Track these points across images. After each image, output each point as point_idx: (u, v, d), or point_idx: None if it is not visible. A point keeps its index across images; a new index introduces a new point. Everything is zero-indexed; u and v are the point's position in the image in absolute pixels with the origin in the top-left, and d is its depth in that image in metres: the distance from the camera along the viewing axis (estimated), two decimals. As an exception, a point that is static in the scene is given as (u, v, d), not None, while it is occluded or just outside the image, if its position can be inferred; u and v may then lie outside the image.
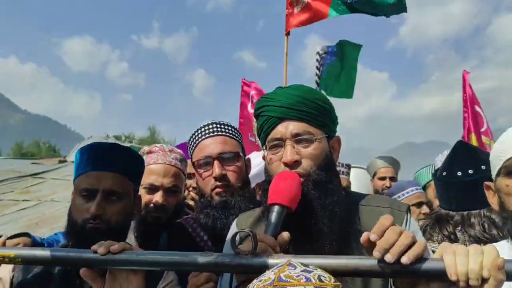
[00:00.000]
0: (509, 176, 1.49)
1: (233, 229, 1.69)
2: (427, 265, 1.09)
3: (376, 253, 1.09)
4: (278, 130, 1.52)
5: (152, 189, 2.19)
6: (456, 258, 1.05)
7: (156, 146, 2.31)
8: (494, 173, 1.57)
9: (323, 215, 1.44)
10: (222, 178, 1.93)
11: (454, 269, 1.04)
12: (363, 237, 1.15)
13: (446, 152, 2.60)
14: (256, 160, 2.80)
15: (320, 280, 0.96)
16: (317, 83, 5.62)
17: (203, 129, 2.04)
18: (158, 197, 2.16)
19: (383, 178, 4.48)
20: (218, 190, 1.93)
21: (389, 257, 1.07)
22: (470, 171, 2.02)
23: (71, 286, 1.67)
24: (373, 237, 1.11)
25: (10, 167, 11.48)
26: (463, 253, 1.05)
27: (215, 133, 2.01)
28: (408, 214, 1.54)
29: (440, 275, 1.07)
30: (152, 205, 2.16)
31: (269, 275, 1.02)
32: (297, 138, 1.50)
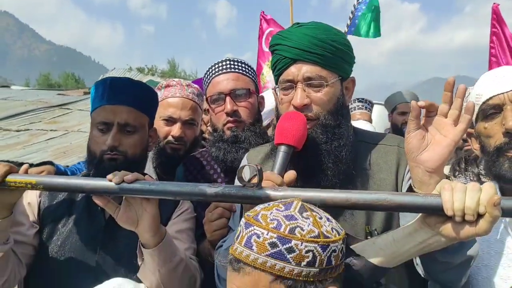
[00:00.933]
0: (486, 119, 1.53)
1: (243, 163, 1.75)
2: (426, 200, 1.12)
3: None
4: (291, 71, 1.51)
5: (171, 121, 2.25)
6: (454, 194, 1.07)
7: (174, 80, 2.36)
8: (473, 120, 1.60)
9: (329, 158, 1.47)
10: (233, 113, 1.98)
11: (450, 205, 1.07)
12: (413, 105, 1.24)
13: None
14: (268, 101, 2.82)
15: (291, 232, 0.98)
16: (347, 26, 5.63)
17: (217, 66, 2.06)
18: (176, 129, 2.23)
19: (403, 113, 4.43)
20: (229, 125, 1.99)
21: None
22: None
23: (94, 213, 1.79)
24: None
25: (37, 98, 11.76)
26: (461, 189, 1.08)
27: (228, 70, 2.04)
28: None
29: (437, 210, 1.10)
30: (170, 137, 2.23)
31: (257, 207, 1.08)
32: (308, 82, 1.49)
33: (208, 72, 2.09)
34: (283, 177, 1.30)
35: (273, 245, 0.97)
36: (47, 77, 44.04)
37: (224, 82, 2.01)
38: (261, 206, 1.09)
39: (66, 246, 1.73)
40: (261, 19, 5.70)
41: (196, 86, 2.36)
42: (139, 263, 1.56)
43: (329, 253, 1.01)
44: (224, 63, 2.06)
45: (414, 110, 1.23)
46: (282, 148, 1.39)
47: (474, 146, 1.65)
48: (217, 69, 2.05)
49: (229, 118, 1.98)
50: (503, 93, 1.49)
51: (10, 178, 1.43)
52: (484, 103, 1.54)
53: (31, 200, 1.80)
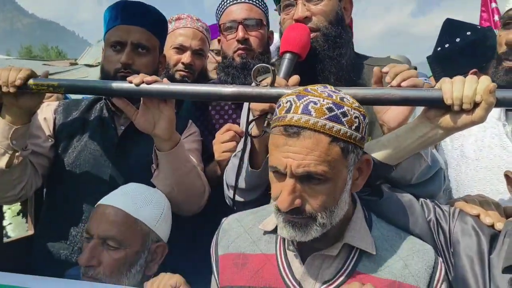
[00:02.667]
0: (504, 27, 1.64)
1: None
2: (428, 93, 1.23)
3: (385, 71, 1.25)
4: None
5: (181, 49, 2.32)
6: (453, 85, 1.18)
7: (184, 14, 2.44)
8: None
9: (331, 64, 1.59)
10: (244, 41, 2.07)
11: (450, 95, 1.17)
12: (376, 71, 1.29)
13: None
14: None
15: (342, 100, 1.08)
16: None
17: None
18: (186, 57, 2.29)
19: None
20: (240, 52, 2.08)
21: (398, 80, 1.22)
22: (457, 39, 2.19)
23: (107, 130, 1.87)
24: (385, 69, 1.25)
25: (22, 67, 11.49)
26: (460, 81, 1.19)
27: (242, 0, 2.13)
28: None
29: (438, 101, 1.20)
30: (180, 64, 2.30)
31: (300, 87, 1.15)
32: None
33: (222, 2, 2.18)
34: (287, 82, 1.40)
35: (330, 109, 1.05)
36: (29, 50, 43.17)
37: (238, 11, 2.10)
38: (301, 87, 1.16)
39: (81, 158, 1.81)
40: None
41: (205, 22, 2.45)
42: (153, 169, 1.65)
43: (366, 123, 1.13)
44: None
45: (375, 76, 1.34)
46: (287, 56, 1.50)
47: None
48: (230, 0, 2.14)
49: (240, 46, 2.07)
50: None
51: (31, 81, 1.49)
52: (506, 12, 1.64)
53: (46, 115, 1.87)
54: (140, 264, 1.46)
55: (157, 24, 1.89)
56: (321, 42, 1.59)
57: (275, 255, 1.25)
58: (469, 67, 1.96)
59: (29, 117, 1.61)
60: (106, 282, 1.38)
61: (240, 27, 2.07)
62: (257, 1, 2.15)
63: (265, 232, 1.30)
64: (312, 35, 1.58)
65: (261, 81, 1.35)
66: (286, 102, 1.10)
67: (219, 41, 2.23)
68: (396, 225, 1.29)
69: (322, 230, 1.12)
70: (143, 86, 1.41)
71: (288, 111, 1.08)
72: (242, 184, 1.58)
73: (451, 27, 2.32)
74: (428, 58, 2.47)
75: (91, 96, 1.98)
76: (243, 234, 1.33)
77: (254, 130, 1.48)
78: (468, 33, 2.20)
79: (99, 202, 1.51)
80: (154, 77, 1.43)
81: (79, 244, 1.75)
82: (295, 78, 1.43)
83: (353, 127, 1.08)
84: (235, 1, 2.13)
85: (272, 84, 1.31)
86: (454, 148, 1.70)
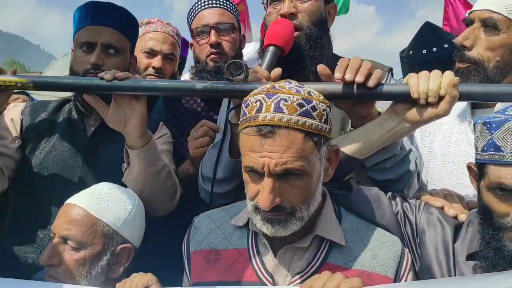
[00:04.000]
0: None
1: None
2: (394, 88, 1.28)
3: (338, 74, 1.28)
4: None
5: (152, 53, 2.31)
6: (419, 79, 1.24)
7: (155, 18, 2.44)
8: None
9: (311, 64, 1.63)
10: (217, 45, 2.09)
11: (416, 89, 1.24)
12: (320, 68, 1.35)
13: None
14: (248, 48, 3.02)
15: (309, 94, 1.12)
16: None
17: (203, 1, 2.18)
18: (156, 61, 2.28)
19: None
20: (212, 56, 2.09)
21: (359, 78, 1.25)
22: (434, 49, 2.24)
23: (76, 131, 1.83)
24: (337, 75, 1.30)
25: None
26: (425, 76, 1.25)
27: (214, 5, 2.15)
28: (389, 74, 1.73)
29: (404, 96, 1.26)
30: (151, 68, 2.29)
31: (266, 85, 1.17)
32: None
33: (193, 7, 2.20)
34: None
35: (300, 105, 1.08)
36: (-7, 63, 41.83)
37: (210, 15, 2.12)
38: (267, 85, 1.18)
39: (49, 159, 1.78)
40: None
41: (175, 26, 2.46)
42: (124, 168, 1.63)
43: (331, 114, 1.16)
44: None
45: (322, 75, 1.37)
46: (271, 49, 1.54)
47: None
48: (203, 4, 2.16)
49: (213, 50, 2.09)
50: None
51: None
52: (468, 14, 1.66)
53: (13, 116, 1.83)
54: (101, 266, 1.41)
55: (127, 25, 1.88)
56: (302, 42, 1.64)
57: (247, 250, 1.26)
58: None
59: None
60: (66, 282, 1.34)
61: (213, 31, 2.09)
62: (228, 6, 2.19)
63: (237, 227, 1.31)
64: (295, 34, 1.63)
65: (234, 77, 1.37)
66: (256, 102, 1.11)
67: (191, 45, 2.25)
68: (365, 218, 1.33)
69: (301, 223, 1.15)
70: (115, 82, 1.41)
71: (259, 110, 1.10)
72: (219, 174, 1.59)
73: (429, 33, 2.36)
74: (401, 53, 2.48)
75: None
76: (215, 230, 1.33)
77: (234, 118, 1.49)
78: (446, 45, 2.23)
79: (66, 201, 1.49)
80: (126, 73, 1.44)
81: (47, 246, 1.70)
82: (277, 70, 1.46)
83: (323, 120, 1.11)
84: (206, 6, 2.15)
85: (245, 78, 1.33)
86: (424, 145, 1.75)
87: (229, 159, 1.55)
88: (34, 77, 1.48)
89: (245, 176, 1.15)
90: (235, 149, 1.53)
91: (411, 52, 2.40)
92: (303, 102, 1.09)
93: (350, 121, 1.52)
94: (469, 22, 1.61)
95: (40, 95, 3.15)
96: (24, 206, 1.79)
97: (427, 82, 1.23)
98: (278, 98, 1.09)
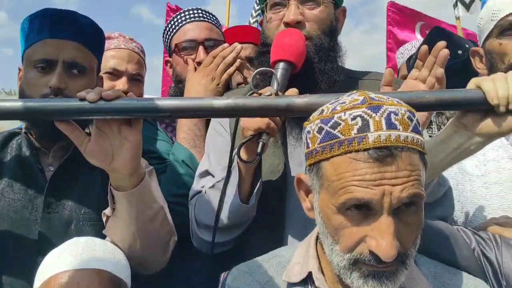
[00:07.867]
0: (502, 34, 1.50)
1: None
2: (466, 94, 1.07)
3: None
4: None
5: (115, 75, 1.93)
6: (496, 83, 1.03)
7: (115, 33, 2.04)
8: (483, 39, 1.58)
9: (322, 79, 1.39)
10: None
11: (495, 94, 1.02)
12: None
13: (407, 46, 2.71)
14: None
15: (407, 105, 0.89)
16: None
17: (187, 13, 1.93)
18: (122, 83, 1.90)
19: None
20: None
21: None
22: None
23: (31, 173, 1.44)
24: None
25: None
26: (502, 78, 1.04)
27: (202, 19, 1.92)
28: None
29: (479, 103, 1.04)
30: None
31: (351, 97, 0.89)
32: None
33: (175, 19, 1.94)
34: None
35: (410, 119, 0.85)
36: None
37: (197, 30, 1.89)
38: (348, 96, 0.92)
39: None
40: (167, 11, 5.25)
41: (139, 42, 2.08)
42: (104, 217, 1.26)
43: None
44: (195, 11, 1.95)
45: (385, 78, 1.26)
46: (281, 65, 1.27)
47: (478, 65, 1.61)
48: (188, 16, 1.92)
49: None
50: None
51: None
52: (502, 19, 1.49)
53: None
54: None
55: (95, 39, 1.52)
56: (311, 54, 1.38)
57: None
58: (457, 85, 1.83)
59: None
60: None
61: (201, 48, 1.85)
62: (215, 21, 1.97)
63: (290, 285, 1.00)
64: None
65: (258, 90, 1.09)
66: (353, 119, 0.84)
67: (167, 62, 1.93)
68: (439, 259, 1.08)
69: (407, 272, 0.87)
70: (101, 103, 1.05)
71: (363, 129, 0.82)
72: (223, 221, 1.32)
73: (441, 40, 2.21)
74: (408, 61, 2.30)
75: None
76: None
77: (243, 154, 1.23)
78: (460, 51, 2.04)
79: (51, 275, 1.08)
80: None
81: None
82: (293, 91, 1.20)
83: (422, 135, 0.88)
84: (192, 19, 1.91)
85: (278, 90, 1.05)
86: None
87: (239, 204, 1.28)
88: None
89: (339, 220, 0.84)
90: (241, 190, 1.30)
91: None
92: (411, 115, 0.86)
93: None
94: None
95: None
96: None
97: (505, 85, 1.02)
98: (387, 112, 0.83)
